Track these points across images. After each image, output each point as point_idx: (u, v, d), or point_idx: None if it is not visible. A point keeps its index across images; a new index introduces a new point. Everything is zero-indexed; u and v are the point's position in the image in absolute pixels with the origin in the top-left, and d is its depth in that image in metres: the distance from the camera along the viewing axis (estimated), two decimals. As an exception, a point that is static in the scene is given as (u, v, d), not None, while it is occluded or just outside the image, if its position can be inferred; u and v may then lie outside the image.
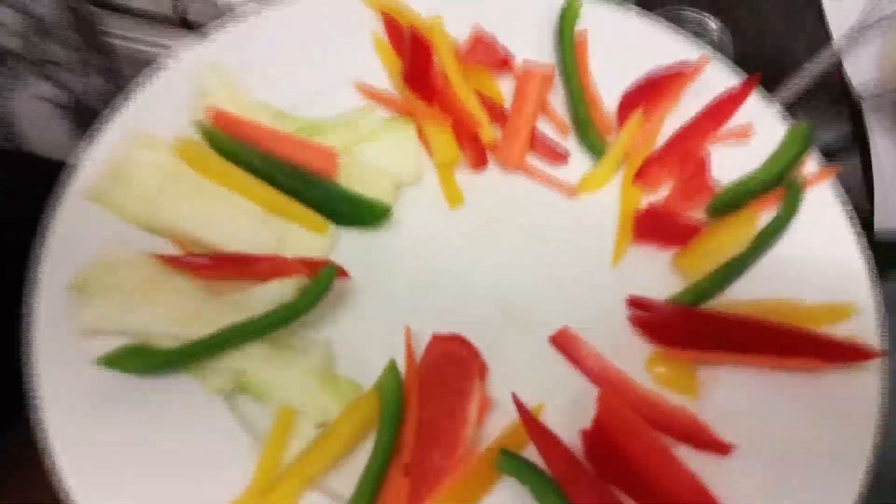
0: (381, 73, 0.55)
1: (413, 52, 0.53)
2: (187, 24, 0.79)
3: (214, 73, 0.51)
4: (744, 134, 0.52)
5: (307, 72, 0.54)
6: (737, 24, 0.79)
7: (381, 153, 0.52)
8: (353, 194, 0.49)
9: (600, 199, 0.52)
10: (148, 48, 0.79)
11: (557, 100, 0.55)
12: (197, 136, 0.50)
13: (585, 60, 0.55)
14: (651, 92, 0.53)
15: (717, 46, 0.73)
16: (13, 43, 0.53)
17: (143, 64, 0.79)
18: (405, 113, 0.53)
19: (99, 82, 0.60)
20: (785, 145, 0.51)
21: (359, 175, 0.51)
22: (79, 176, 0.48)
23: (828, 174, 0.50)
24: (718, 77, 0.54)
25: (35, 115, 0.54)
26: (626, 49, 0.56)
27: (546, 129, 0.54)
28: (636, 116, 0.52)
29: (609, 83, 0.55)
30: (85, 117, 0.58)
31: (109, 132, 0.50)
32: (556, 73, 0.55)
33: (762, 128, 0.53)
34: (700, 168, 0.51)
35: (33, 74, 0.54)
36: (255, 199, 0.49)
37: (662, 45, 0.56)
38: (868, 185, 0.70)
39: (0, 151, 0.53)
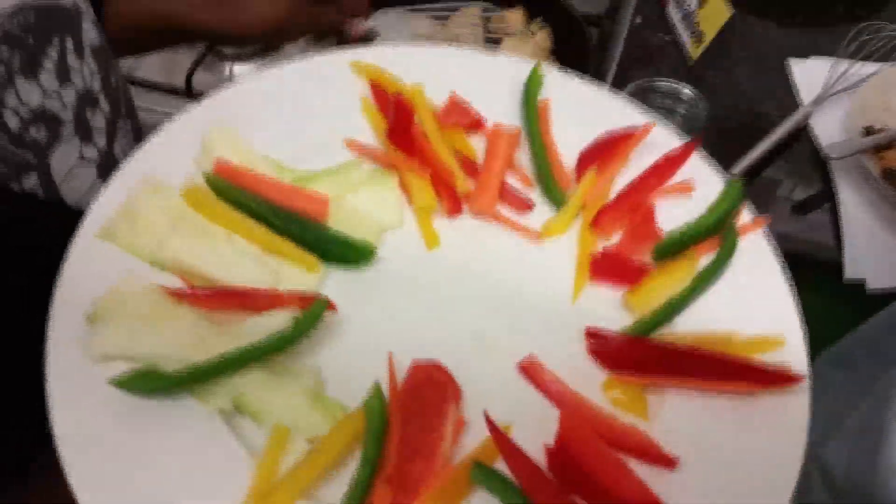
0: (368, 132, 0.59)
1: (397, 113, 0.57)
2: (194, 95, 0.83)
3: (219, 129, 0.55)
4: (685, 188, 0.57)
5: (303, 129, 0.58)
6: (711, 90, 0.83)
7: (368, 201, 0.56)
8: (341, 236, 0.53)
9: (561, 244, 0.56)
10: (160, 116, 0.82)
11: (524, 157, 0.59)
12: (202, 184, 0.53)
13: (548, 123, 0.60)
14: (605, 151, 0.58)
15: (692, 112, 0.76)
16: (67, 114, 0.56)
17: (146, 131, 0.82)
18: (389, 166, 0.57)
19: (125, 142, 0.64)
20: (722, 198, 0.56)
21: (347, 220, 0.54)
22: (93, 217, 0.51)
23: (759, 223, 0.55)
24: (666, 139, 0.59)
25: (68, 167, 0.57)
26: (583, 114, 0.61)
27: (513, 182, 0.59)
28: (591, 172, 0.57)
29: (568, 143, 0.59)
30: (109, 169, 0.61)
31: (122, 178, 0.53)
32: (523, 133, 0.60)
33: (702, 183, 0.58)
34: (647, 217, 0.55)
35: (74, 136, 0.57)
36: (254, 240, 0.52)
37: (615, 111, 0.61)
38: (838, 238, 0.74)
39: (43, 202, 0.56)
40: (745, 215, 0.56)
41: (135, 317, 0.48)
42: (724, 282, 0.53)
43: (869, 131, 0.78)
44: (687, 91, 0.77)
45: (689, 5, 0.87)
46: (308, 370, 0.48)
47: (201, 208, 0.52)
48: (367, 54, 0.62)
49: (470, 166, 0.58)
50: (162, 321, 0.48)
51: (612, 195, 0.57)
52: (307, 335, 0.48)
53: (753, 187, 0.76)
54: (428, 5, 0.88)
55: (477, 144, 0.60)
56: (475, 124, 0.60)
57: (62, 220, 0.56)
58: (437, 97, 0.61)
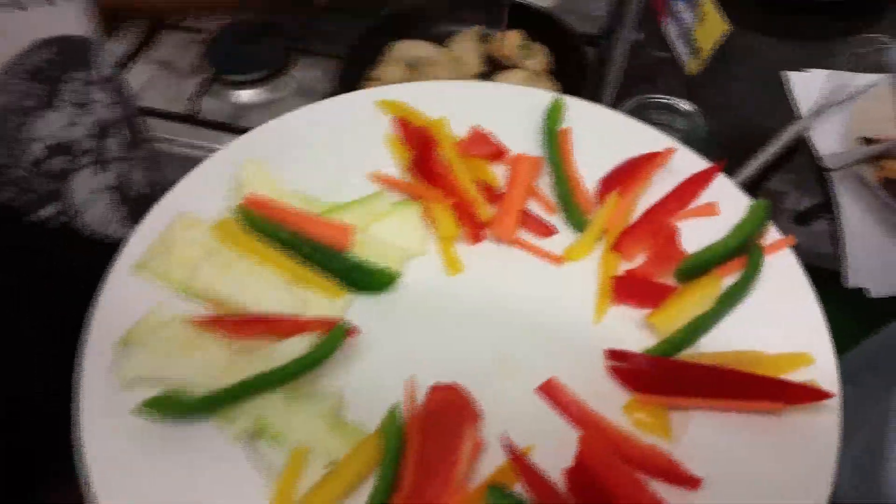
0: (393, 165, 0.59)
1: (420, 144, 0.57)
2: (199, 121, 0.84)
3: (252, 165, 0.56)
4: (710, 211, 0.55)
5: (331, 164, 0.59)
6: (710, 105, 0.81)
7: (392, 229, 0.56)
8: (365, 264, 0.53)
9: (583, 267, 0.54)
10: (166, 144, 0.84)
11: (545, 184, 0.58)
12: (233, 218, 0.54)
13: (569, 150, 0.59)
14: (626, 176, 0.56)
15: (692, 126, 0.74)
16: (85, 144, 0.58)
17: (163, 156, 0.83)
18: (412, 196, 0.57)
19: (140, 171, 0.66)
20: (746, 218, 0.54)
21: (372, 248, 0.54)
22: (129, 249, 0.52)
23: (786, 243, 0.52)
24: (687, 161, 0.58)
25: (87, 194, 0.59)
26: (604, 140, 0.60)
27: (535, 208, 0.58)
28: (613, 196, 0.55)
29: (590, 169, 0.58)
30: (127, 199, 0.63)
31: (157, 213, 0.54)
32: (544, 161, 0.59)
33: (726, 204, 0.56)
34: (671, 238, 0.53)
35: (92, 164, 0.59)
36: (282, 269, 0.52)
37: (636, 136, 0.59)
38: (839, 248, 0.71)
39: (61, 226, 0.58)
40: (771, 235, 0.53)
41: (164, 343, 0.48)
42: (751, 301, 0.50)
43: (867, 141, 0.76)
44: (685, 106, 0.76)
45: (686, 22, 0.86)
46: (329, 394, 0.47)
47: (232, 240, 0.53)
48: (392, 92, 0.62)
49: (492, 194, 0.58)
50: (190, 348, 0.49)
51: (635, 218, 0.55)
52: (328, 359, 0.48)
53: (754, 198, 0.73)
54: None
55: (500, 173, 0.59)
56: (497, 154, 0.59)
57: (82, 247, 0.58)
58: (460, 129, 0.60)
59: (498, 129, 0.61)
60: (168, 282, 0.51)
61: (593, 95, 0.81)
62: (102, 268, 0.52)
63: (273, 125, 0.60)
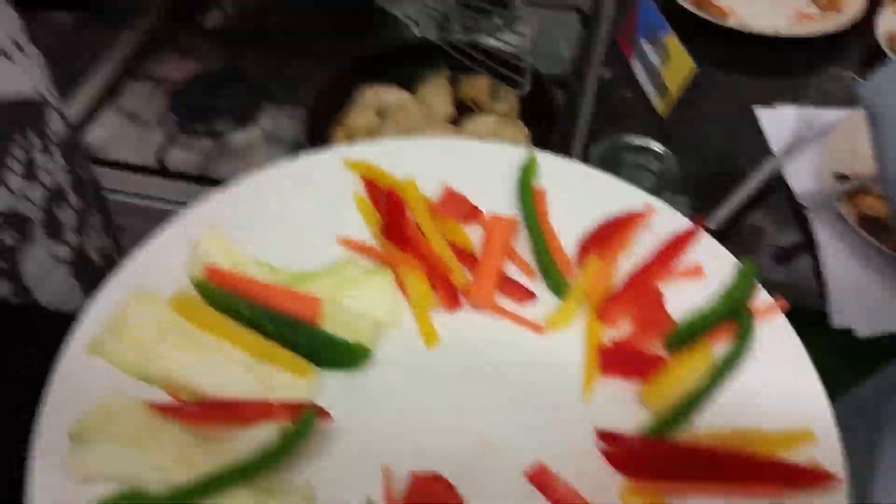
0: (363, 228, 0.55)
1: (389, 207, 0.53)
2: (166, 173, 0.80)
3: (209, 234, 0.52)
4: (695, 273, 0.52)
5: (296, 229, 0.55)
6: (682, 144, 0.80)
7: (363, 299, 0.52)
8: (335, 338, 0.48)
9: (567, 336, 0.51)
10: (132, 197, 0.79)
11: (522, 245, 0.55)
12: (192, 291, 0.49)
13: (545, 210, 0.55)
14: (605, 237, 0.53)
15: (665, 167, 0.73)
16: (36, 214, 0.53)
17: (126, 209, 0.79)
18: (384, 262, 0.53)
19: (96, 237, 0.60)
20: (735, 280, 0.51)
21: (341, 320, 0.50)
22: (82, 330, 0.47)
23: (778, 307, 0.49)
24: (667, 218, 0.55)
25: (40, 269, 0.54)
26: (580, 197, 0.57)
27: (514, 271, 0.54)
28: (593, 260, 0.52)
29: (567, 228, 0.55)
30: (82, 268, 0.57)
31: (111, 288, 0.49)
32: (520, 221, 0.55)
33: (711, 263, 0.53)
34: (656, 304, 0.50)
35: (44, 236, 0.54)
36: (244, 347, 0.48)
37: (613, 192, 0.57)
38: (821, 286, 0.69)
39: (13, 307, 0.52)
40: (761, 297, 0.51)
41: (119, 436, 0.43)
42: (744, 371, 0.47)
43: (841, 178, 0.75)
44: (656, 147, 0.74)
45: (653, 61, 0.85)
46: (297, 487, 0.43)
47: (190, 316, 0.48)
48: (358, 150, 0.59)
49: (467, 257, 0.54)
50: (147, 439, 0.44)
51: (618, 281, 0.52)
52: (296, 449, 0.43)
53: (731, 238, 0.73)
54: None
55: (474, 234, 0.55)
56: (471, 214, 0.56)
57: (39, 323, 0.53)
58: (431, 188, 0.57)
59: (470, 187, 0.57)
60: (122, 366, 0.46)
61: (563, 137, 0.80)
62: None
63: (234, 189, 0.56)
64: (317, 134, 0.80)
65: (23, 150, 0.52)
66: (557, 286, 0.52)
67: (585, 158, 0.76)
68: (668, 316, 0.50)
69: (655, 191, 0.71)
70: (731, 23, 0.97)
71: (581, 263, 0.53)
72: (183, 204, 0.77)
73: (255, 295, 0.49)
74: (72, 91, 0.91)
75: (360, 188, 0.57)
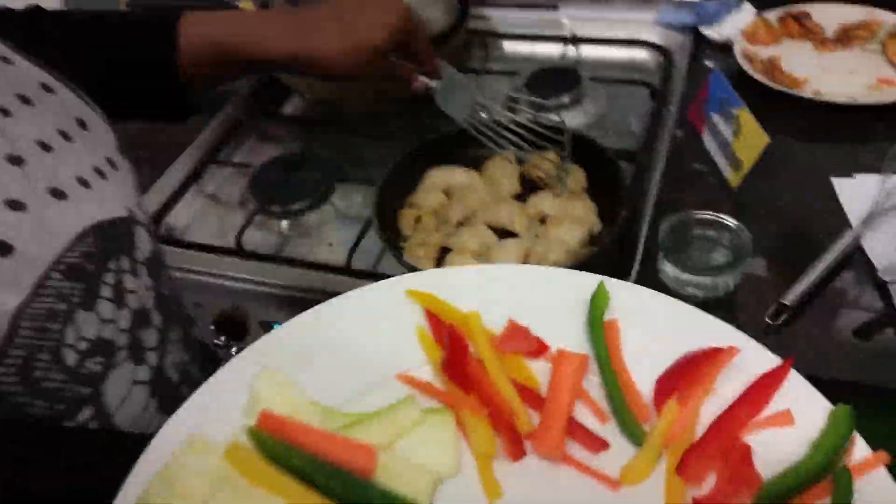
0: (423, 364, 0.53)
1: (451, 343, 0.51)
2: (245, 254, 0.82)
3: (266, 375, 0.50)
4: (785, 421, 0.46)
5: (355, 366, 0.53)
6: (755, 217, 0.77)
7: (421, 446, 0.49)
8: (389, 495, 0.45)
9: (644, 491, 0.46)
10: (212, 277, 0.81)
11: (593, 384, 0.51)
12: (247, 441, 0.47)
13: (618, 346, 0.51)
14: (685, 378, 0.49)
15: (737, 242, 0.71)
16: (121, 339, 0.53)
17: (202, 289, 0.82)
18: (444, 402, 0.50)
19: (176, 354, 0.60)
20: (828, 429, 0.45)
21: (397, 471, 0.47)
22: (133, 479, 0.46)
23: (878, 460, 0.43)
24: (751, 354, 0.50)
25: (121, 392, 0.53)
26: (657, 331, 0.52)
27: (584, 415, 0.50)
28: (672, 405, 0.47)
29: (642, 366, 0.51)
30: (160, 386, 0.56)
31: (166, 433, 0.48)
32: (591, 358, 0.51)
33: (800, 407, 0.47)
34: (744, 458, 0.45)
35: (128, 359, 0.54)
36: (297, 502, 0.45)
37: (694, 326, 0.52)
38: None
39: (96, 432, 0.52)
40: (859, 449, 0.44)
41: None
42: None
43: None
44: (729, 221, 0.70)
45: (724, 134, 0.81)
46: None
47: (244, 468, 0.46)
48: (422, 279, 0.56)
49: (533, 398, 0.50)
50: None
51: (700, 430, 0.47)
52: None
53: (809, 314, 0.70)
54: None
55: (541, 370, 0.52)
56: (538, 350, 0.52)
57: (116, 446, 0.51)
58: (496, 320, 0.54)
59: (537, 319, 0.54)
60: (171, 522, 0.44)
61: (632, 212, 0.78)
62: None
63: (293, 323, 0.54)
64: (386, 212, 0.81)
65: (114, 276, 0.52)
66: (633, 433, 0.48)
67: (654, 233, 0.73)
68: (755, 472, 0.44)
69: (730, 265, 0.67)
70: (806, 92, 0.93)
71: (659, 407, 0.48)
72: (259, 283, 0.80)
73: (309, 444, 0.47)
74: (159, 178, 0.97)
75: (423, 320, 0.55)
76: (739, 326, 0.50)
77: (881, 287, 0.71)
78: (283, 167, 0.96)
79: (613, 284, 0.54)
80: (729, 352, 0.49)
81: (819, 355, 0.68)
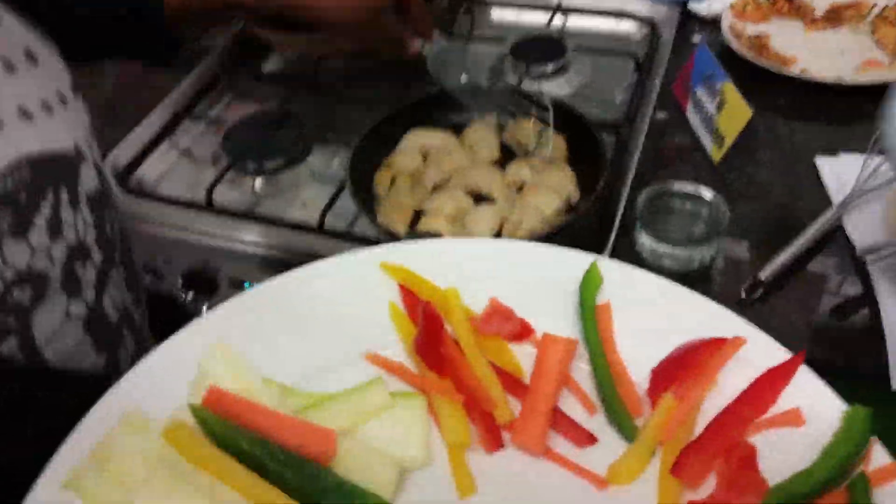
0: (396, 343, 0.47)
1: (425, 320, 0.46)
2: (215, 210, 0.79)
3: (217, 348, 0.45)
4: (794, 421, 0.41)
5: (319, 341, 0.48)
6: (737, 193, 0.77)
7: (387, 432, 0.43)
8: (347, 486, 0.40)
9: (634, 492, 0.41)
10: (178, 232, 0.81)
11: (582, 372, 0.46)
12: (191, 420, 0.41)
13: (611, 331, 0.46)
14: (684, 370, 0.43)
15: (715, 214, 0.70)
16: (54, 272, 0.48)
17: (171, 244, 0.77)
18: (416, 385, 0.45)
19: (116, 293, 0.56)
20: (843, 432, 0.40)
21: (359, 460, 0.42)
22: (61, 457, 0.40)
23: (899, 470, 0.38)
24: (758, 347, 0.44)
25: (52, 327, 0.50)
26: (655, 317, 0.47)
27: (570, 405, 0.44)
28: (668, 399, 0.42)
29: (638, 355, 0.46)
30: (96, 324, 0.53)
31: (102, 408, 0.42)
32: (580, 343, 0.46)
33: (810, 407, 0.42)
34: (747, 461, 0.40)
35: (60, 293, 0.50)
36: (242, 490, 0.40)
37: (694, 313, 0.47)
38: (880, 342, 0.63)
39: (22, 368, 0.48)
40: (878, 455, 0.40)
41: None
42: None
43: None
44: (708, 194, 0.70)
45: (708, 108, 0.81)
46: None
47: (184, 449, 0.41)
48: (398, 251, 0.51)
49: (515, 385, 0.45)
50: None
51: (698, 426, 0.42)
52: None
53: (786, 291, 0.69)
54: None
55: (525, 354, 0.47)
56: (521, 333, 0.47)
57: (45, 383, 0.48)
58: (477, 299, 0.48)
59: (522, 298, 0.48)
60: (99, 507, 0.39)
61: (611, 183, 0.78)
62: (71, 406, 0.42)
63: (255, 292, 0.49)
64: (361, 173, 0.79)
65: (51, 206, 0.49)
66: (624, 427, 0.43)
67: (633, 205, 0.72)
68: (760, 476, 0.39)
69: (706, 237, 0.68)
70: (793, 71, 0.90)
71: (654, 400, 0.43)
72: (229, 240, 0.78)
73: (261, 426, 0.41)
74: (131, 130, 0.94)
75: (396, 295, 0.49)
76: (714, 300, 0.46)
77: (860, 267, 0.69)
78: (260, 125, 0.93)
79: (607, 265, 0.49)
80: (734, 343, 0.44)
81: (793, 333, 0.66)
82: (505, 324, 0.47)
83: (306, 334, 0.48)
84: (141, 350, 0.57)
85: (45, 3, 0.56)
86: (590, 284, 0.47)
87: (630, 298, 0.48)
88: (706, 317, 0.46)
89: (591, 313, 0.46)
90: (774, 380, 0.43)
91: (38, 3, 0.54)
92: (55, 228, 0.49)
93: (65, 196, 0.51)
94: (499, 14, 1.10)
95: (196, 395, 0.43)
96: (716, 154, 0.80)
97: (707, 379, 0.43)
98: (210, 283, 0.81)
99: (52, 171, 0.50)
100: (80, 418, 0.42)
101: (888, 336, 0.64)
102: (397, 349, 0.47)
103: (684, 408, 0.42)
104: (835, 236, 0.73)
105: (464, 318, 0.47)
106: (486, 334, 0.47)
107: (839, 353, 0.66)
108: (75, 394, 0.44)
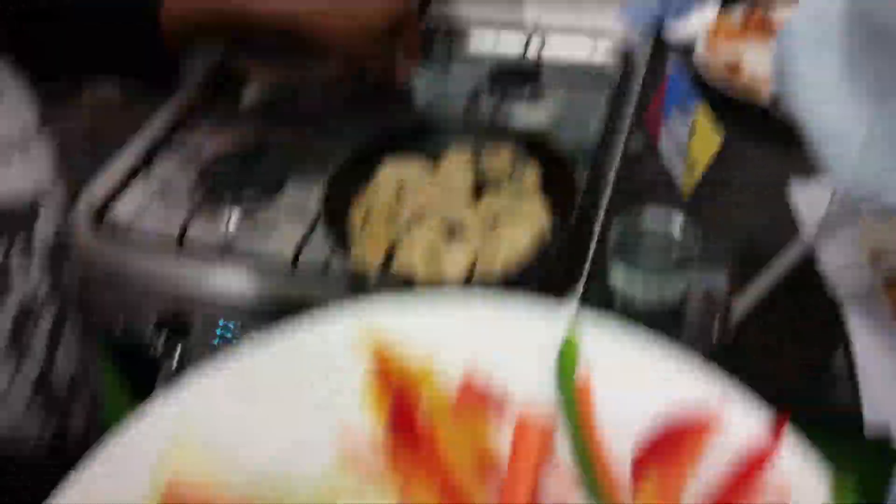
0: (367, 419, 0.45)
1: (398, 403, 0.43)
2: (187, 251, 0.78)
3: (179, 437, 0.42)
4: (779, 497, 0.39)
5: (287, 423, 0.45)
6: (709, 222, 0.74)
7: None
8: None
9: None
10: (148, 272, 0.79)
11: (563, 448, 0.43)
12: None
13: (590, 408, 0.44)
14: (666, 450, 0.42)
15: (685, 241, 0.69)
16: (1, 330, 0.46)
17: (138, 285, 0.78)
18: (390, 469, 0.42)
19: (68, 349, 0.54)
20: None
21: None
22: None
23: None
24: (742, 416, 0.43)
25: None
26: (638, 385, 0.45)
27: (551, 484, 0.42)
28: (651, 483, 0.40)
29: (620, 430, 0.43)
30: (50, 395, 0.52)
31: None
32: (559, 418, 0.44)
33: (797, 479, 0.40)
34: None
35: (7, 356, 0.47)
36: None
37: (677, 381, 0.45)
38: (854, 378, 0.62)
39: None
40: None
41: None
42: None
43: (877, 257, 0.69)
44: (680, 221, 0.69)
45: (680, 136, 0.80)
46: None
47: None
48: (370, 315, 0.48)
49: (490, 465, 0.43)
50: None
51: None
52: None
53: (759, 328, 0.67)
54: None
55: (501, 428, 0.44)
56: (497, 408, 0.45)
57: None
58: (452, 368, 0.46)
59: (501, 366, 0.46)
60: None
61: (585, 212, 0.78)
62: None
63: (218, 368, 0.46)
64: (336, 207, 0.78)
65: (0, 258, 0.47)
66: (604, 515, 0.41)
67: (606, 236, 0.72)
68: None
69: (679, 264, 0.68)
70: (763, 100, 0.89)
71: (636, 484, 0.41)
72: (202, 282, 0.77)
73: (224, 524, 0.39)
74: (106, 162, 0.93)
75: (370, 372, 0.47)
76: (687, 341, 0.45)
77: (833, 301, 0.68)
78: (236, 158, 0.92)
79: (590, 331, 0.47)
80: (713, 424, 0.42)
81: (766, 374, 0.64)
82: (481, 398, 0.45)
83: (275, 412, 0.45)
84: (95, 409, 0.55)
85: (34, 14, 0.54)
86: (567, 360, 0.45)
87: (613, 364, 0.46)
88: (691, 383, 0.44)
89: (570, 393, 0.44)
90: (759, 455, 0.41)
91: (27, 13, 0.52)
92: (3, 283, 0.47)
93: (18, 244, 0.49)
94: (474, 41, 1.09)
95: (155, 488, 0.41)
96: (688, 182, 0.79)
97: (693, 455, 0.41)
98: (184, 324, 0.79)
99: (4, 224, 0.48)
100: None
101: (859, 368, 0.62)
102: (370, 425, 0.45)
103: (667, 491, 0.40)
104: (809, 266, 0.72)
105: (439, 395, 0.44)
106: (462, 411, 0.45)
107: (815, 393, 0.65)
108: (17, 475, 0.42)
